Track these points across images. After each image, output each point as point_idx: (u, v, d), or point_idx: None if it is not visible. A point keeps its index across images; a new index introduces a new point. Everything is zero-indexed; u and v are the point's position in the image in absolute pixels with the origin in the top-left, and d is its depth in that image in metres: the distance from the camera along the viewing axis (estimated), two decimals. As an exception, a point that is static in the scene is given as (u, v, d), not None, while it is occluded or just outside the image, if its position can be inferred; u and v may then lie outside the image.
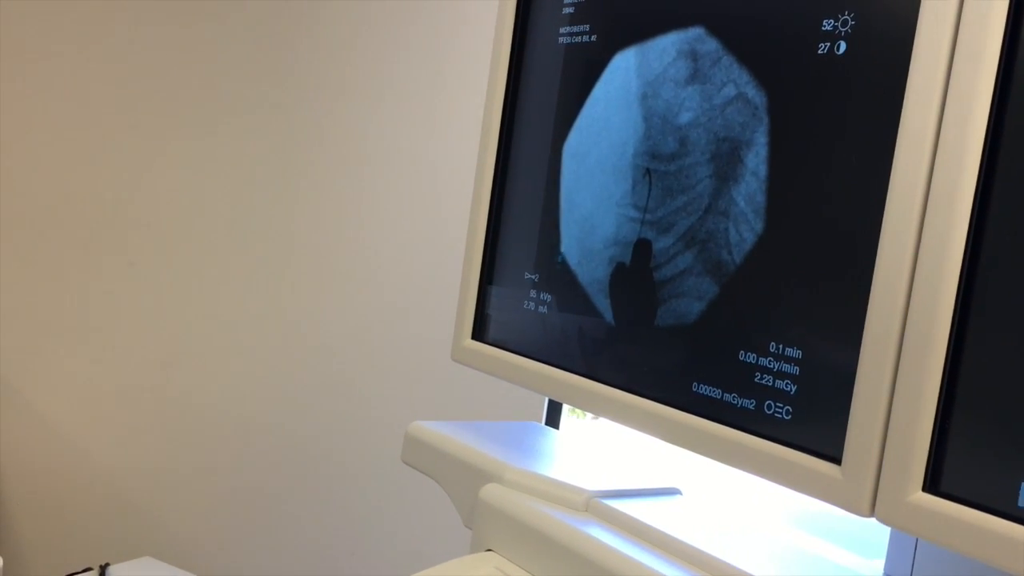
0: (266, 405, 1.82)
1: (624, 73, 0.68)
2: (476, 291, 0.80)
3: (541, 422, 1.40)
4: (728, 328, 0.58)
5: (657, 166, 0.64)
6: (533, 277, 0.75)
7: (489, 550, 0.70)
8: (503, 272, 0.79)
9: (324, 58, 1.77)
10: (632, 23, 0.68)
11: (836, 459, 0.51)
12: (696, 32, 0.63)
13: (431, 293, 1.59)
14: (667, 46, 0.65)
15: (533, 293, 0.75)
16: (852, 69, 0.52)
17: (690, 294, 0.61)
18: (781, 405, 0.55)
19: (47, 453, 1.93)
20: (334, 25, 1.76)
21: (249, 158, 1.84)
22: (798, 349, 0.54)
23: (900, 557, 0.63)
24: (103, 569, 1.58)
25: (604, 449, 0.83)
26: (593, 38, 0.72)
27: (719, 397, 0.59)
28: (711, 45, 0.61)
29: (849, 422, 0.50)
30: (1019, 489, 0.43)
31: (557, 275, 0.73)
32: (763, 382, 0.56)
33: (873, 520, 0.49)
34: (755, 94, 0.58)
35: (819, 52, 0.54)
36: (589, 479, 0.72)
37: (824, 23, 0.54)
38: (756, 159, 0.57)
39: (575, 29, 0.73)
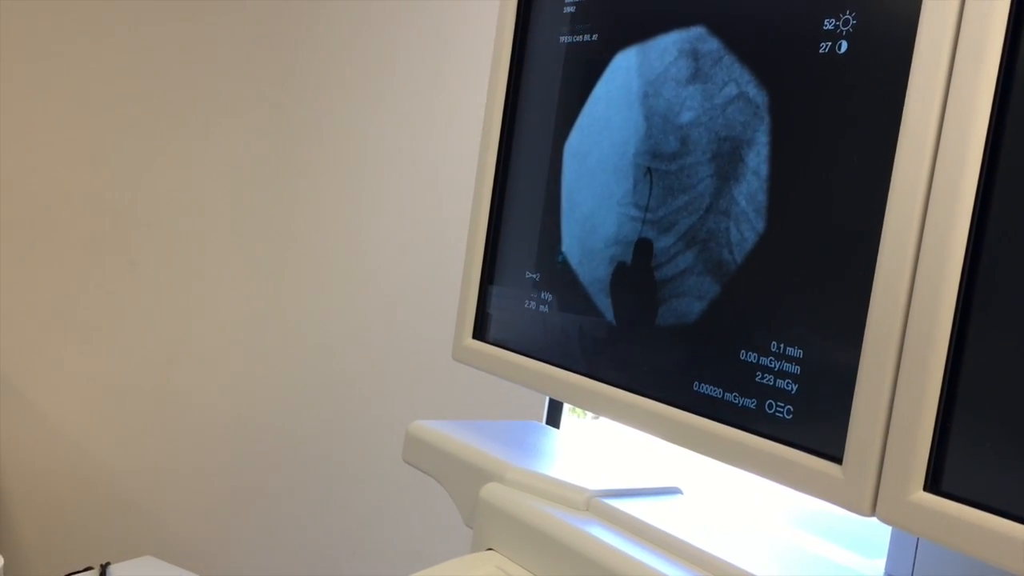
0: (266, 405, 1.82)
1: (625, 72, 0.68)
2: (477, 290, 0.80)
3: (542, 421, 1.40)
4: (729, 327, 0.58)
5: (658, 165, 0.64)
6: (534, 276, 0.75)
7: (490, 549, 0.70)
8: (504, 271, 0.79)
9: (324, 58, 1.77)
10: (633, 22, 0.68)
11: (837, 458, 0.50)
12: (697, 31, 0.63)
13: (431, 293, 1.59)
14: (668, 45, 0.65)
15: (534, 292, 0.75)
16: (853, 68, 0.52)
17: (691, 293, 0.61)
18: (782, 404, 0.55)
19: (48, 452, 1.93)
20: (334, 25, 1.76)
21: (249, 158, 1.84)
22: (799, 348, 0.54)
23: (901, 557, 0.63)
24: (104, 568, 1.58)
25: (605, 448, 0.83)
26: (594, 37, 0.72)
27: (720, 396, 0.59)
28: (712, 44, 0.61)
29: (850, 421, 0.50)
30: (1020, 488, 0.43)
31: (558, 274, 0.73)
32: (764, 381, 0.56)
33: (874, 520, 0.49)
34: (756, 93, 0.58)
35: (820, 51, 0.54)
36: (590, 478, 0.72)
37: (825, 22, 0.54)
38: (757, 158, 0.57)
39: (576, 28, 0.73)
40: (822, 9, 0.54)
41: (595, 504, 0.68)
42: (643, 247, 0.65)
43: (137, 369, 1.90)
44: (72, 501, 1.93)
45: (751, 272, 0.57)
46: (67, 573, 1.58)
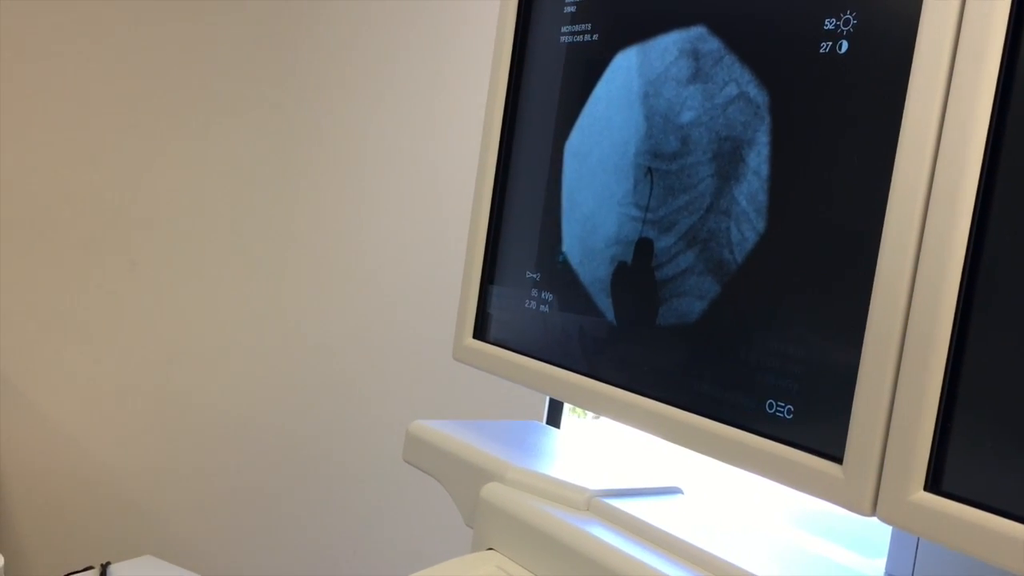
0: (266, 405, 1.82)
1: (626, 72, 0.68)
2: (477, 290, 0.80)
3: (542, 421, 1.40)
4: (730, 327, 0.58)
5: (659, 165, 0.64)
6: (534, 276, 0.75)
7: (490, 549, 0.70)
8: (504, 271, 0.79)
9: (324, 58, 1.77)
10: (634, 22, 0.68)
11: (838, 458, 0.51)
12: (698, 31, 0.63)
13: (431, 293, 1.59)
14: (669, 45, 0.65)
15: (534, 292, 0.75)
16: (854, 68, 0.52)
17: (692, 293, 0.61)
18: (783, 404, 0.55)
19: (48, 452, 1.93)
20: (334, 25, 1.76)
21: (249, 158, 1.84)
22: (800, 348, 0.54)
23: (902, 556, 0.63)
24: (104, 568, 1.58)
25: (605, 448, 0.83)
26: (595, 37, 0.72)
27: (720, 396, 0.59)
28: (713, 44, 0.61)
29: (851, 421, 0.50)
30: (1020, 488, 0.43)
31: (558, 274, 0.73)
32: (764, 381, 0.56)
33: (875, 519, 0.49)
34: (757, 93, 0.58)
35: (821, 51, 0.54)
36: (590, 478, 0.72)
37: (826, 22, 0.54)
38: (758, 158, 0.57)
39: (576, 28, 0.73)
40: (823, 9, 0.54)
41: (595, 504, 0.68)
42: (644, 247, 0.65)
43: (137, 369, 1.90)
44: (72, 501, 1.93)
45: (752, 272, 0.57)
46: (67, 573, 1.58)
